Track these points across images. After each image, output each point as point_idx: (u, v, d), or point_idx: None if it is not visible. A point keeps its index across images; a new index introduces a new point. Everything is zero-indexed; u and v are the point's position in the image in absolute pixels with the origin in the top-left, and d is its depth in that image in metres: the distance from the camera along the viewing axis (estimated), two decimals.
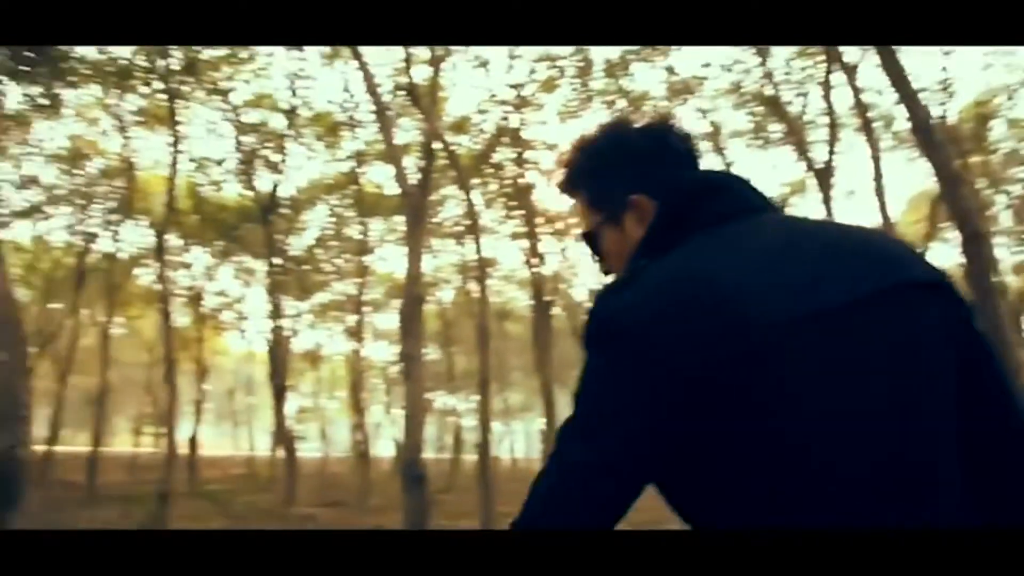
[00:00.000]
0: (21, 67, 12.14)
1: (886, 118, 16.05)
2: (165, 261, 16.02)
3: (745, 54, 14.68)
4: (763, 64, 14.73)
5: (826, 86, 14.12)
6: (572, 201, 1.15)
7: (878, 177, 12.82)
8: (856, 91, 12.99)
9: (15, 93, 13.49)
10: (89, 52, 14.42)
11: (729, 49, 14.40)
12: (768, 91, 15.17)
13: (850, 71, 13.00)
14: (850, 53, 12.94)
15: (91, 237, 19.84)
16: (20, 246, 20.01)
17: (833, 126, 14.21)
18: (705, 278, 0.83)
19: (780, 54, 14.63)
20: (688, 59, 16.41)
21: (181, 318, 23.66)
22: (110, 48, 14.64)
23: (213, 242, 20.72)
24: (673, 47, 15.05)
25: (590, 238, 1.11)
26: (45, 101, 14.66)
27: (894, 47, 7.03)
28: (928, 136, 7.19)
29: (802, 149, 14.81)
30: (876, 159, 12.92)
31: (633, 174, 1.04)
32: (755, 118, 16.67)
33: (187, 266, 21.09)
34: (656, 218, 0.99)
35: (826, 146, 14.33)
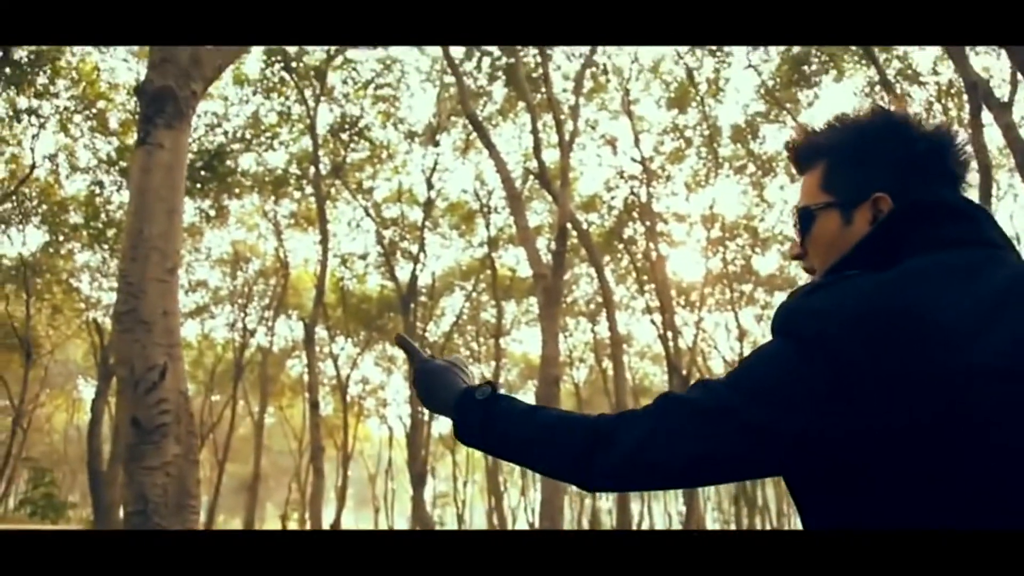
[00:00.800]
0: (196, 184, 13.58)
1: None
2: (313, 352, 16.95)
3: (879, 100, 14.10)
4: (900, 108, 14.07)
5: (975, 124, 13.24)
6: (799, 176, 1.06)
7: None
8: (1009, 128, 12.09)
9: (189, 207, 15.07)
10: (251, 165, 15.97)
11: (861, 98, 13.95)
12: None
13: (1001, 108, 12.16)
14: (1000, 88, 12.15)
15: (248, 332, 21.44)
16: (188, 343, 21.90)
17: (986, 169, 13.23)
18: (915, 311, 0.80)
19: (919, 96, 13.98)
20: (819, 111, 15.97)
21: (327, 406, 24.80)
22: (268, 158, 16.14)
23: (357, 332, 21.81)
24: (801, 107, 14.70)
25: (805, 216, 1.02)
26: (212, 212, 16.26)
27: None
28: None
29: None
30: None
31: (893, 172, 0.96)
32: None
33: (333, 356, 22.19)
34: (886, 225, 0.93)
35: (977, 191, 13.34)
